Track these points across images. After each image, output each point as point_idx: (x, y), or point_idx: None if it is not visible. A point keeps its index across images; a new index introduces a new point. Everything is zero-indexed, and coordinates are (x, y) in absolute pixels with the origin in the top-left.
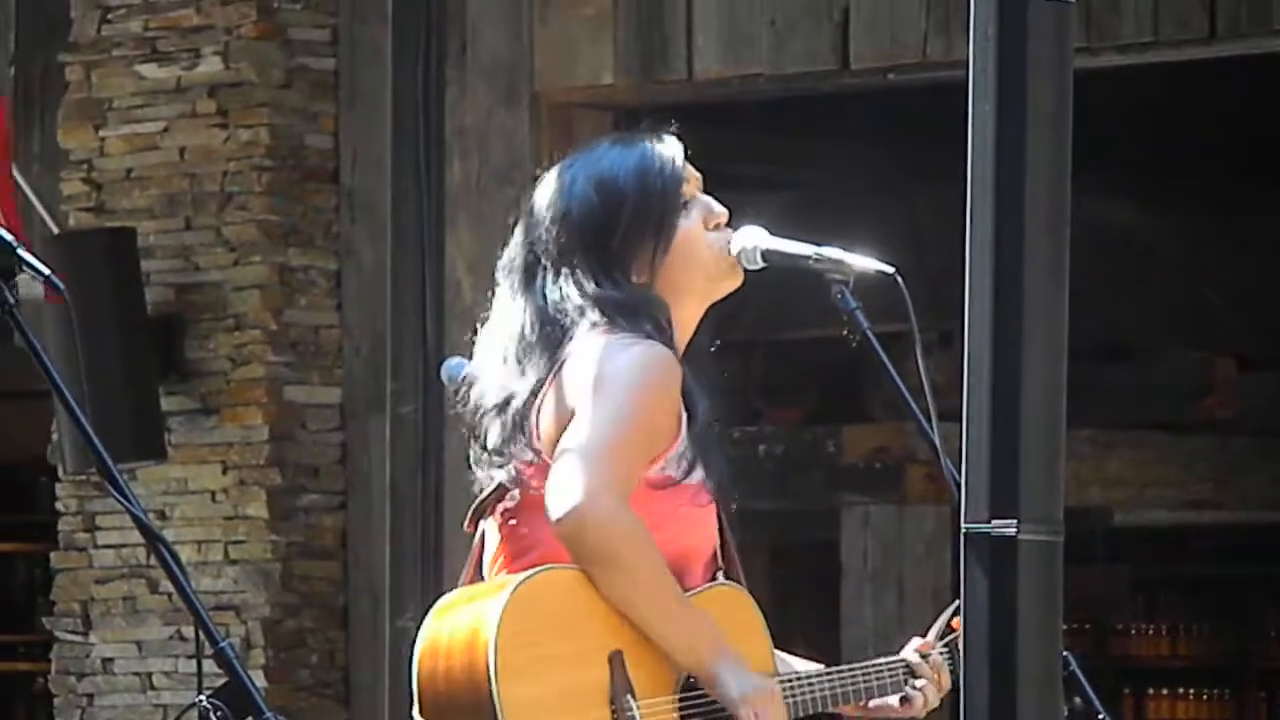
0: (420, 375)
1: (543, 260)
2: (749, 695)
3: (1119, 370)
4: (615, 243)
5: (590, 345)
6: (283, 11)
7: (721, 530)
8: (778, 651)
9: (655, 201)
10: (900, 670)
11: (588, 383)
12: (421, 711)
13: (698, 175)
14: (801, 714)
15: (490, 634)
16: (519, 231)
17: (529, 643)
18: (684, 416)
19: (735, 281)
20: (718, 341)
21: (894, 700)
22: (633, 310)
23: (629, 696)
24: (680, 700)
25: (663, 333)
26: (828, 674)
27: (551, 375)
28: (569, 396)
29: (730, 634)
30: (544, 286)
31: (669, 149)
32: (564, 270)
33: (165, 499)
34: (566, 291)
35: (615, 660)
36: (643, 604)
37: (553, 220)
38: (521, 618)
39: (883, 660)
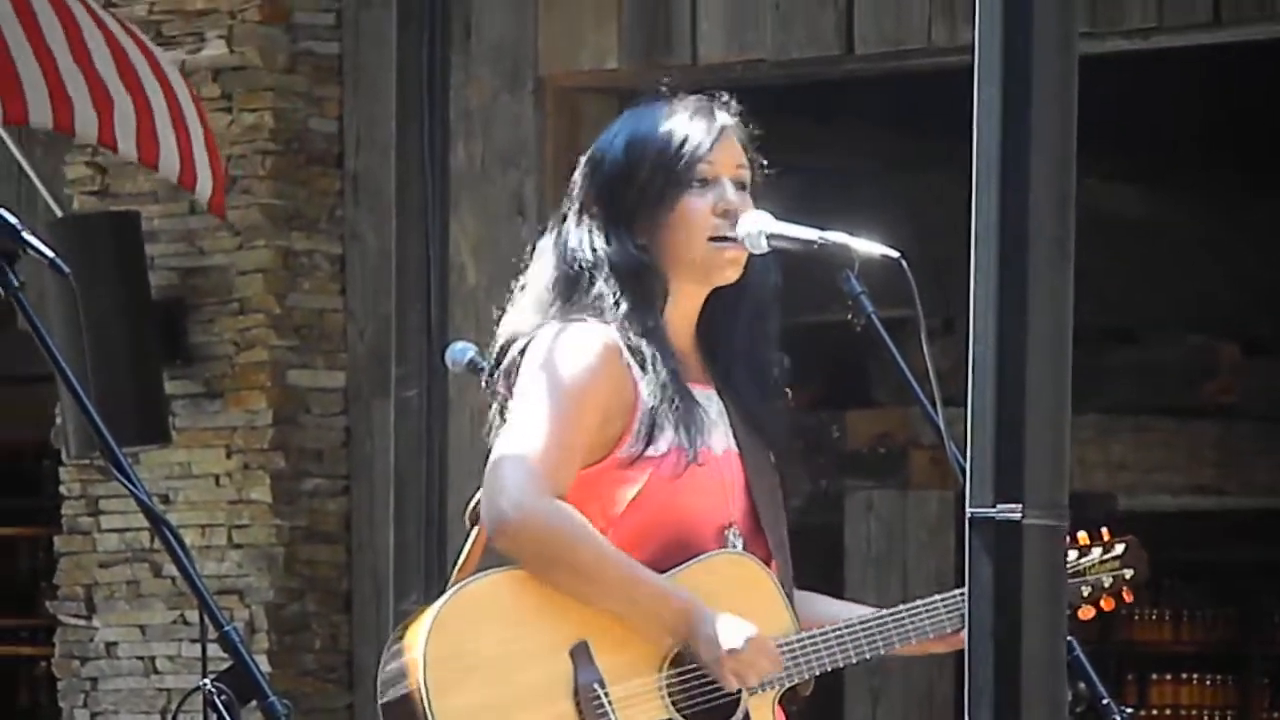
0: (424, 359)
1: (573, 201)
2: (723, 657)
3: (1124, 354)
4: (627, 200)
5: (536, 341)
6: None
7: (752, 498)
8: (838, 602)
9: (667, 170)
10: (960, 603)
11: (521, 381)
12: None
13: (741, 161)
14: (855, 659)
15: (419, 656)
16: (578, 167)
17: (462, 654)
18: (637, 390)
19: (733, 274)
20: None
21: (962, 634)
22: (628, 272)
23: (596, 685)
24: (668, 677)
25: (648, 302)
26: (881, 618)
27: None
28: (514, 394)
29: (735, 601)
30: (567, 231)
31: (711, 124)
32: (584, 217)
33: (169, 483)
34: (582, 241)
35: (579, 651)
36: (595, 594)
37: (590, 164)
38: (452, 632)
39: (939, 597)
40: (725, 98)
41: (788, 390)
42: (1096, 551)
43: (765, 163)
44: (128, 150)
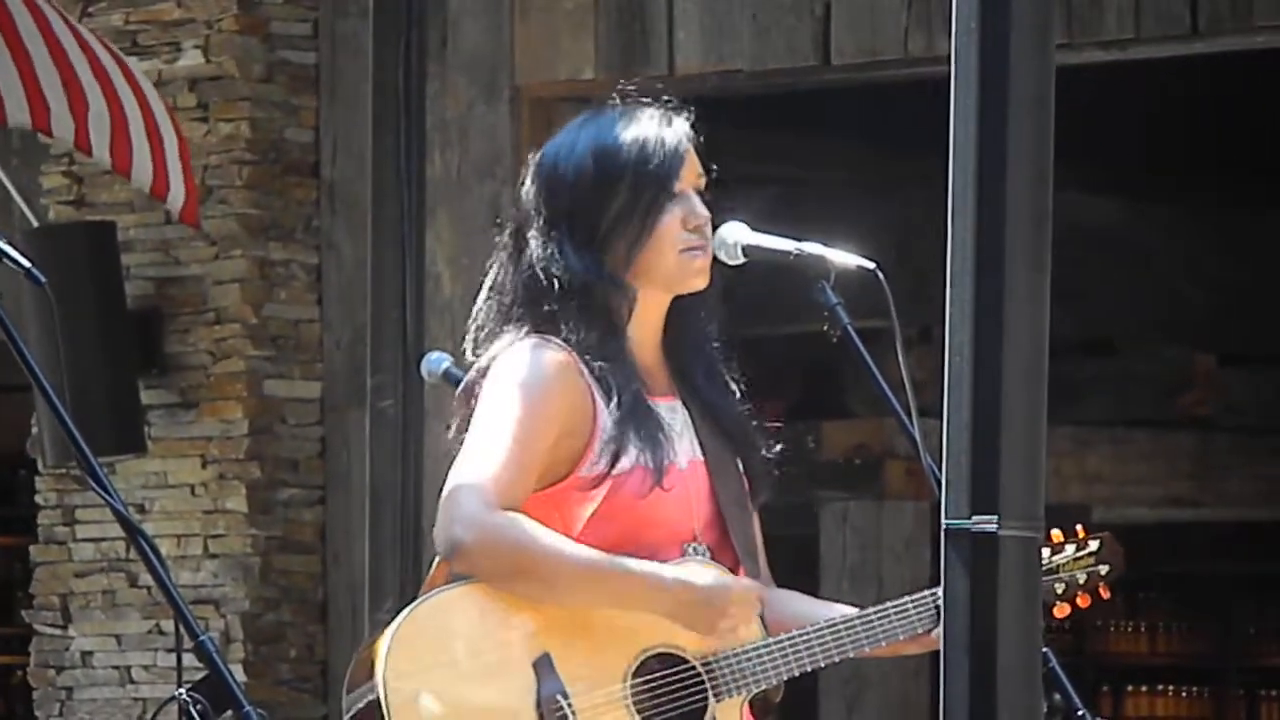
0: (400, 369)
1: (533, 217)
2: (714, 622)
3: (1100, 366)
4: (602, 220)
5: (496, 363)
6: (263, 5)
7: (718, 505)
8: (813, 601)
9: (647, 190)
10: (931, 604)
11: (480, 403)
12: None
13: (700, 171)
14: (824, 663)
15: (379, 672)
16: (526, 181)
17: (425, 667)
18: (597, 407)
19: (701, 282)
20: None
21: (935, 634)
22: (598, 292)
23: (560, 696)
24: (632, 686)
25: (616, 321)
26: (849, 621)
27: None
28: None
29: None
30: (531, 246)
31: (676, 136)
32: (551, 233)
33: (145, 493)
34: (552, 258)
35: (542, 663)
36: (566, 597)
37: (549, 178)
38: (414, 646)
39: (909, 598)
40: (673, 102)
41: (737, 388)
42: (1070, 548)
43: (715, 168)
44: (101, 156)
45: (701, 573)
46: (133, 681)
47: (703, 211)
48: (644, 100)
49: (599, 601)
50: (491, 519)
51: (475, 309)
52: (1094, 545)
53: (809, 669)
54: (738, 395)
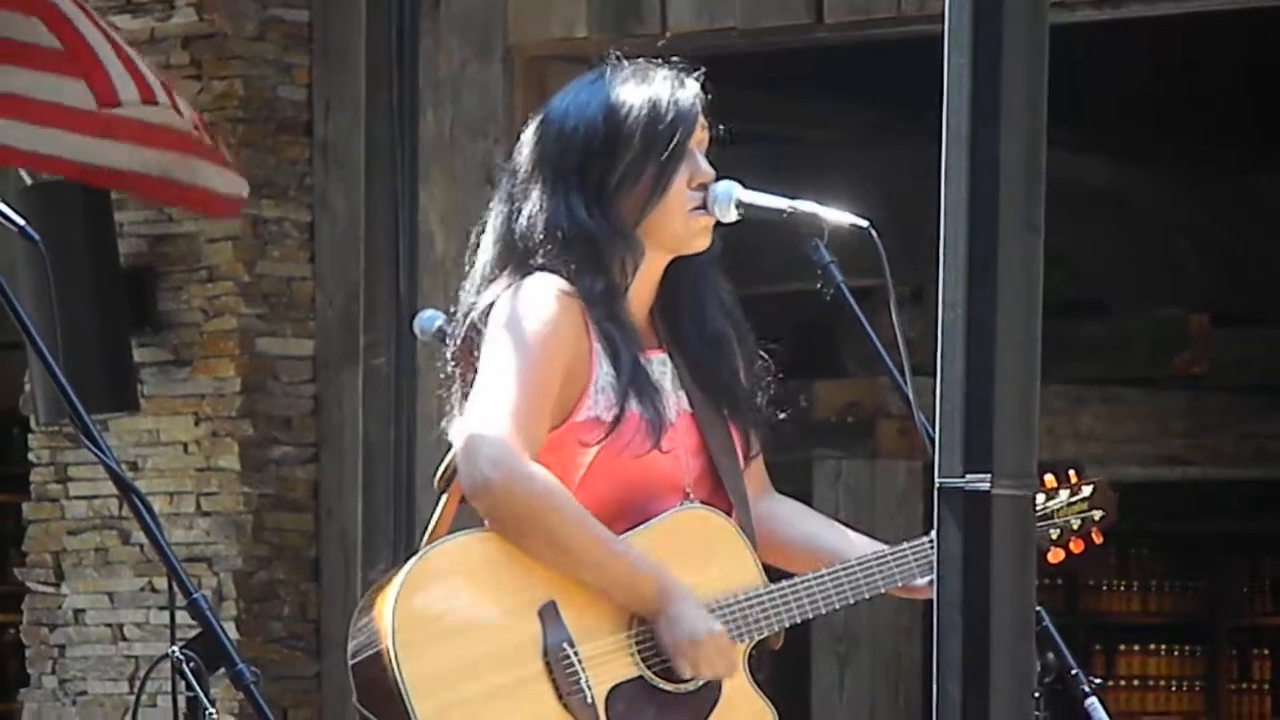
0: (393, 327)
1: (540, 169)
2: (684, 645)
3: (1093, 325)
4: (611, 178)
5: (497, 303)
6: None
7: (709, 456)
8: (815, 517)
9: (657, 150)
10: (927, 551)
11: (489, 340)
12: (357, 698)
13: (706, 130)
14: (824, 610)
15: (388, 618)
16: (531, 132)
17: (432, 615)
18: (594, 352)
19: (703, 243)
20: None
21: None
22: (605, 247)
23: (566, 644)
24: (637, 634)
25: (619, 278)
26: (849, 568)
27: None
28: (481, 354)
29: (702, 555)
30: (534, 199)
31: (686, 98)
32: (559, 186)
33: (138, 450)
34: (557, 208)
35: (547, 612)
36: (566, 560)
37: (559, 134)
38: (421, 594)
39: (907, 545)
40: (683, 63)
41: (750, 340)
42: (1064, 494)
43: (724, 128)
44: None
45: (704, 617)
46: (125, 639)
47: (708, 170)
48: (655, 61)
49: (596, 582)
50: (521, 467)
51: (473, 259)
52: (1087, 491)
53: (810, 616)
54: (752, 360)
